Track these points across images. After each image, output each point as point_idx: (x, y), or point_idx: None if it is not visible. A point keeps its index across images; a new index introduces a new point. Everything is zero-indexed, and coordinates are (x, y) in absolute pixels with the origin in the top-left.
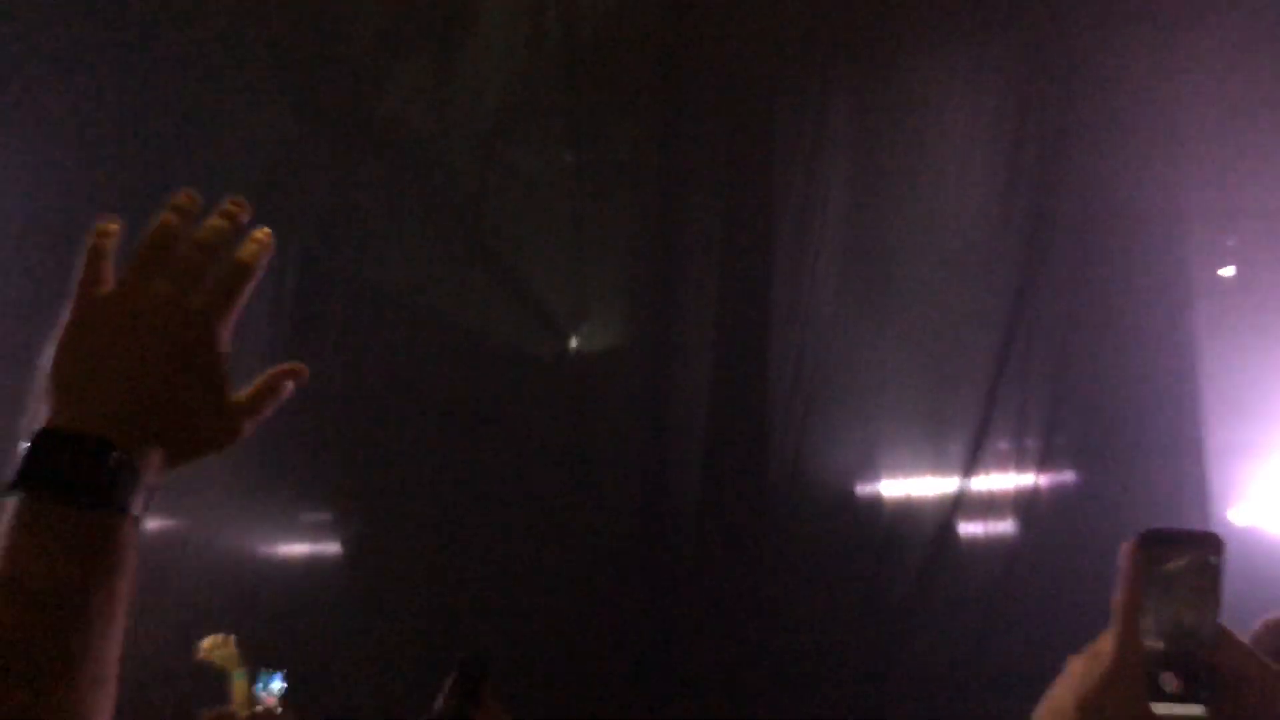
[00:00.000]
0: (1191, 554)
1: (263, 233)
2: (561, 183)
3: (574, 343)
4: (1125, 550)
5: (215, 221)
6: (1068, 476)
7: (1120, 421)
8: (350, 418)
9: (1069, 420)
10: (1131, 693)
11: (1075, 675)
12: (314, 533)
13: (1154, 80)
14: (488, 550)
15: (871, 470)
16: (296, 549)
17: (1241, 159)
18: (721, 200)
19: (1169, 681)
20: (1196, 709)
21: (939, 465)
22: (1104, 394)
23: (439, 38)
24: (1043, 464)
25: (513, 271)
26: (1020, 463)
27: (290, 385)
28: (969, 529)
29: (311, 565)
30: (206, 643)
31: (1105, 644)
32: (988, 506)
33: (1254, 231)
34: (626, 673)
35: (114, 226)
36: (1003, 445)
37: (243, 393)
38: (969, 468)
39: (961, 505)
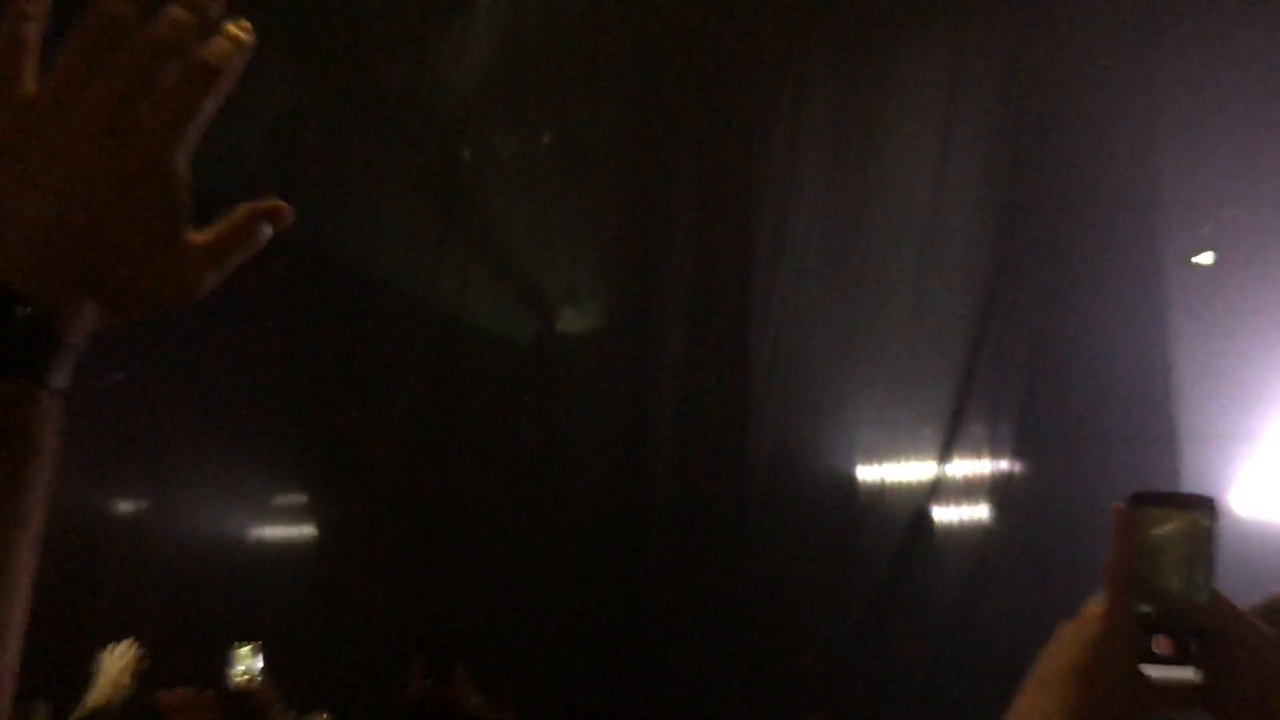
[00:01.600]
0: (1183, 517)
1: (239, 26)
2: (539, 164)
3: (552, 327)
4: (1115, 512)
5: (176, 11)
6: (1042, 462)
7: (1094, 407)
8: (325, 399)
9: (1043, 406)
10: (1123, 656)
11: (1066, 640)
12: (288, 516)
13: (1129, 69)
14: (463, 535)
15: (848, 456)
16: (270, 532)
17: (1217, 146)
18: (700, 185)
19: (1161, 645)
20: (1188, 672)
21: (915, 451)
22: (1078, 380)
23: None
24: (1017, 449)
25: (490, 254)
26: (995, 448)
27: (268, 228)
28: (945, 515)
29: (285, 549)
30: (111, 660)
31: (1096, 609)
32: (963, 492)
33: (1229, 219)
34: (601, 660)
35: (40, 6)
36: (977, 430)
37: (205, 234)
38: (944, 453)
39: (937, 491)
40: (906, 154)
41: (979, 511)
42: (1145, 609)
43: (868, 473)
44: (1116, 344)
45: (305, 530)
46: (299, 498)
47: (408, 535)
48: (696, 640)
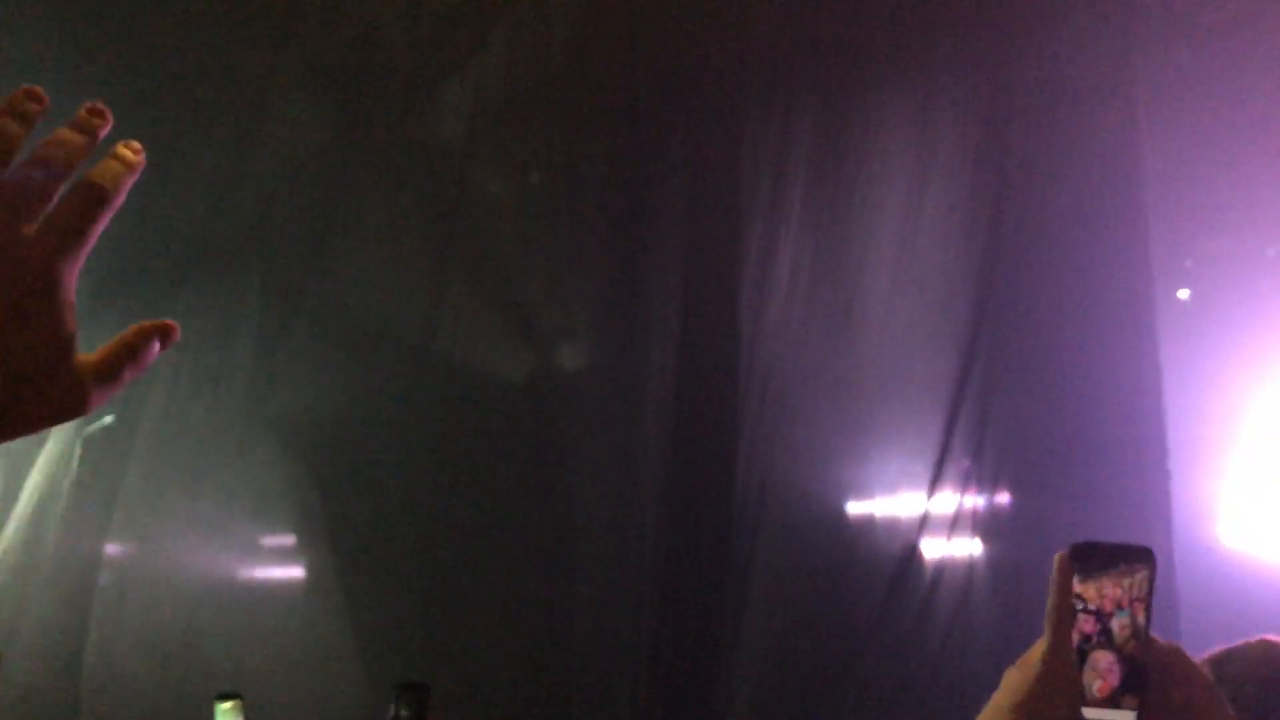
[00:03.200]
0: (1122, 565)
1: (128, 148)
2: (526, 203)
3: (544, 363)
4: (1057, 560)
5: (64, 133)
6: (1028, 495)
7: (1081, 440)
8: (315, 440)
9: (1030, 439)
10: (1064, 699)
11: (1010, 684)
12: (276, 557)
13: (1116, 98)
14: (455, 577)
15: (837, 489)
16: (258, 574)
17: (1202, 179)
18: (687, 219)
19: (1101, 689)
20: (1128, 715)
21: (905, 485)
22: (1065, 412)
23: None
24: (1004, 483)
25: (481, 291)
26: (981, 482)
27: (157, 346)
28: (933, 548)
29: (273, 591)
30: None
31: (1037, 652)
32: (951, 525)
33: (1210, 254)
34: (594, 699)
35: None
36: (964, 464)
37: (95, 354)
38: (933, 486)
39: (926, 524)
40: (892, 187)
41: (967, 545)
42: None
43: (857, 507)
44: (1105, 375)
45: (295, 573)
46: (289, 539)
47: (397, 580)
48: (686, 672)
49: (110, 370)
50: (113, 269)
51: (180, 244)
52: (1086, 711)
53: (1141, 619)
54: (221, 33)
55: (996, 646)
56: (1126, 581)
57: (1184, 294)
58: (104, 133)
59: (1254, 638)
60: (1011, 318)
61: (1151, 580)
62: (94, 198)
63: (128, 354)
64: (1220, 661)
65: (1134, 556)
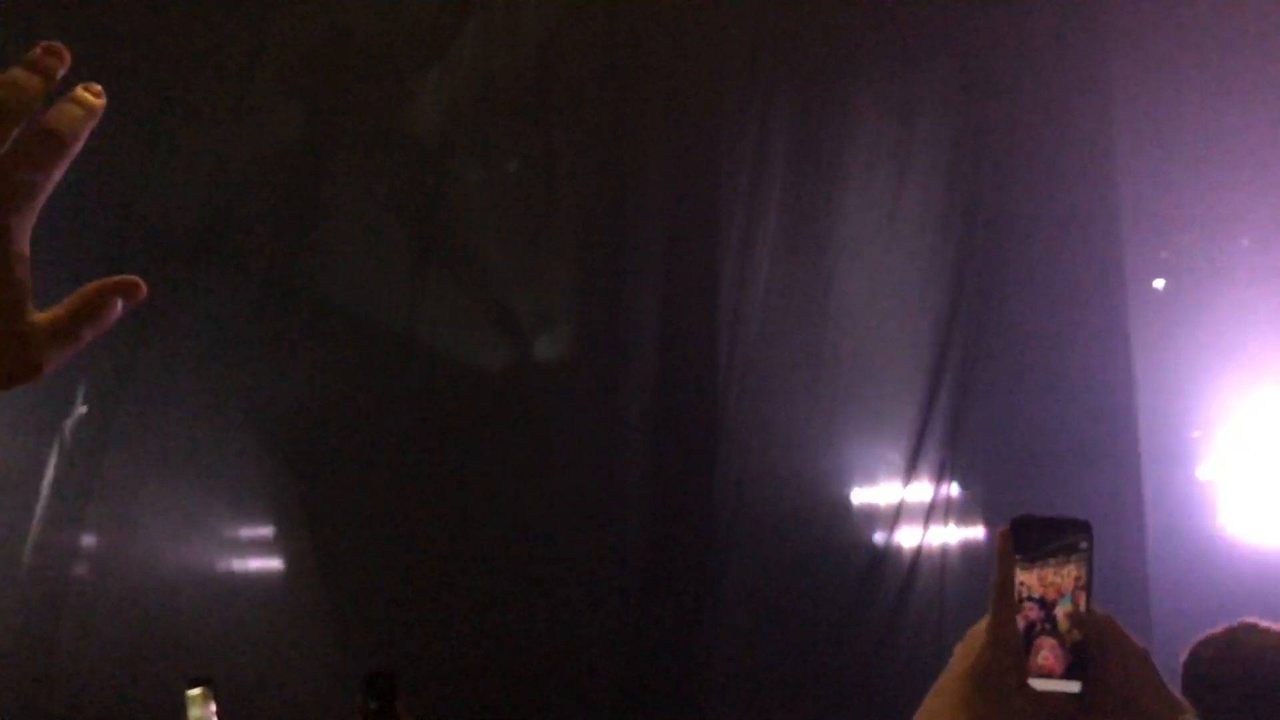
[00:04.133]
0: (1061, 538)
1: (88, 90)
2: (505, 193)
3: (523, 353)
4: (1000, 536)
5: (16, 73)
6: (1003, 483)
7: (1056, 431)
8: (294, 429)
9: (1004, 430)
10: (1009, 668)
11: (958, 659)
12: (254, 548)
13: (1090, 100)
14: (433, 567)
15: (815, 478)
16: (235, 563)
17: (1177, 171)
18: (667, 211)
19: (1045, 659)
20: (1074, 685)
21: (882, 474)
22: (1039, 404)
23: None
24: (980, 470)
25: (461, 280)
26: (955, 472)
27: (119, 304)
28: (909, 536)
29: (251, 582)
30: None
31: (983, 625)
32: (927, 514)
33: (1184, 245)
34: (573, 699)
35: None
36: (941, 454)
37: (50, 312)
38: (907, 477)
39: (902, 513)
40: (870, 181)
41: (943, 534)
42: (1027, 622)
43: (835, 496)
44: (1078, 367)
45: (273, 563)
46: (267, 529)
47: (376, 572)
48: (666, 663)
49: (67, 329)
50: (90, 259)
51: (159, 234)
52: (1034, 682)
53: (1083, 604)
54: (201, 22)
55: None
56: (1067, 569)
57: (1160, 284)
58: (60, 74)
59: (1235, 621)
60: (986, 309)
61: (1090, 556)
62: (50, 145)
63: (87, 312)
64: (1204, 644)
65: (1073, 529)
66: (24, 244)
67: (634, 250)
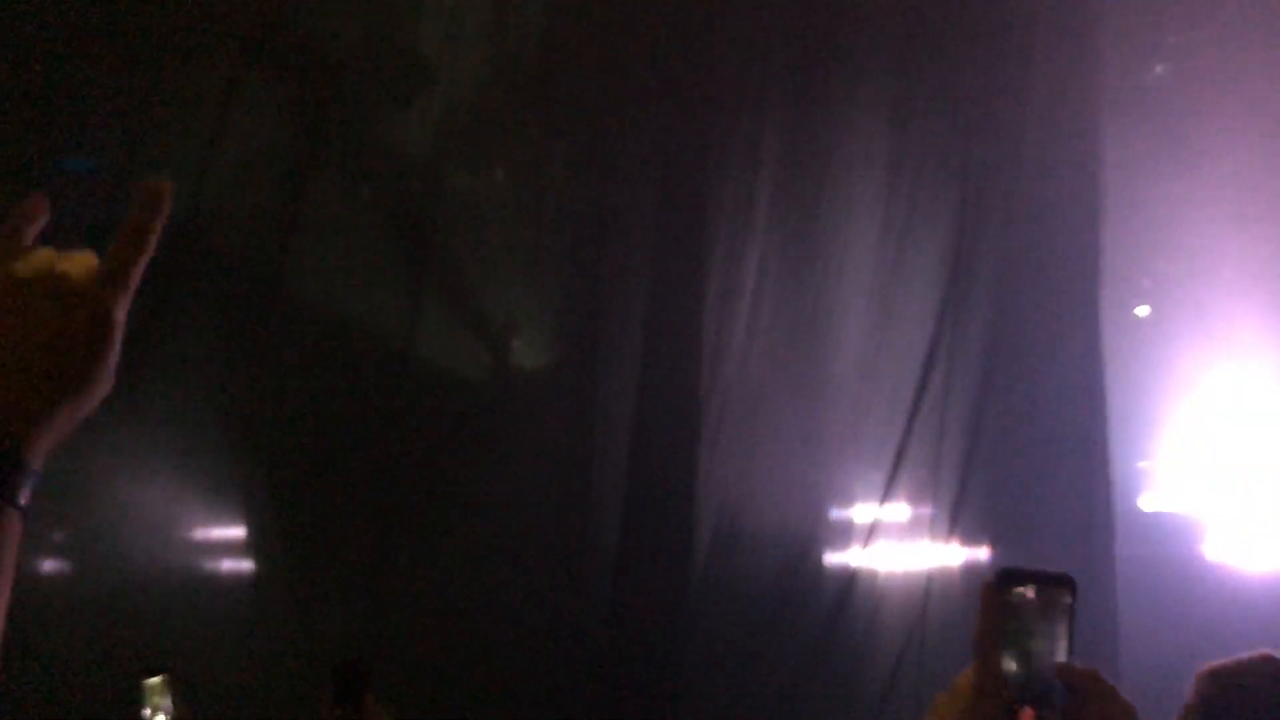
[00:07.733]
0: (1044, 592)
1: (158, 185)
2: (493, 199)
3: (503, 361)
4: (984, 587)
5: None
6: (982, 510)
7: (1035, 451)
8: (268, 432)
9: (986, 451)
10: (990, 718)
11: (942, 707)
12: (226, 548)
13: (1077, 122)
14: (405, 571)
15: (796, 497)
16: (209, 564)
17: (1160, 199)
18: (654, 223)
19: (1026, 715)
20: None
21: (863, 495)
22: (1020, 425)
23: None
24: (958, 497)
25: (443, 289)
26: (936, 494)
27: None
28: (888, 557)
29: (224, 582)
30: None
31: (966, 678)
32: (906, 535)
33: (1166, 273)
34: (544, 706)
35: (41, 208)
36: (922, 474)
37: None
38: (886, 497)
39: (878, 533)
40: (858, 199)
41: (923, 554)
42: (1011, 674)
43: (815, 514)
44: (1057, 390)
45: (245, 564)
46: (240, 530)
47: (350, 576)
48: (640, 677)
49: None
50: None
51: None
52: None
53: (1065, 657)
54: (190, 26)
55: (956, 660)
56: (1051, 623)
57: (1143, 311)
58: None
59: (1255, 653)
60: (970, 330)
61: (1073, 611)
62: (139, 239)
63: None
64: (1223, 673)
65: (1056, 583)
66: (124, 317)
67: (618, 262)
